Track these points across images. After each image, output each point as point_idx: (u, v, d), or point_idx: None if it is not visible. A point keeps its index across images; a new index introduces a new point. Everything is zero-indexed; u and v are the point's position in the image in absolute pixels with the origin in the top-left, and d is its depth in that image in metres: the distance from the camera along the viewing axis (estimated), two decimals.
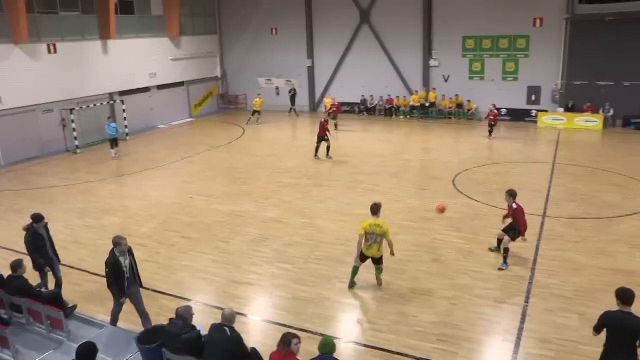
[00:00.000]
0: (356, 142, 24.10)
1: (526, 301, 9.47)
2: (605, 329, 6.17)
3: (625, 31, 25.77)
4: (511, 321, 8.88)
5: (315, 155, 20.79)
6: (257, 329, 9.05)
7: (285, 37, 33.55)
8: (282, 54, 33.71)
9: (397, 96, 31.09)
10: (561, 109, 27.58)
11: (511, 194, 11.04)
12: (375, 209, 9.68)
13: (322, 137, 20.57)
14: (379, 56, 31.30)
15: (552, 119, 27.37)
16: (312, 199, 15.88)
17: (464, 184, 16.85)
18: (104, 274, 8.41)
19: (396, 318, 9.09)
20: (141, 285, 8.70)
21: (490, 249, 11.64)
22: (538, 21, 27.74)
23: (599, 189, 16.23)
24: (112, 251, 8.29)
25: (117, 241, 8.28)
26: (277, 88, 33.85)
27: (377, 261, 9.89)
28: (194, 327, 6.77)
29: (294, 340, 6.06)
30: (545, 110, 27.97)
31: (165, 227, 13.91)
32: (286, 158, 21.28)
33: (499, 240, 11.17)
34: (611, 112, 26.69)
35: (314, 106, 33.99)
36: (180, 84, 32.17)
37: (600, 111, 26.75)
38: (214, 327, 6.64)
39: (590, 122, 26.51)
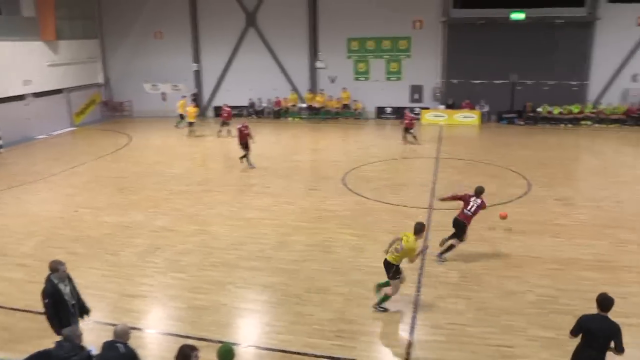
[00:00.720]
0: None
1: (417, 291, 9.97)
2: (582, 333, 6.54)
3: (494, 34, 28.18)
4: (404, 311, 9.30)
5: (250, 164, 19.65)
6: (153, 343, 8.73)
7: (170, 41, 32.57)
8: (167, 59, 32.66)
9: (285, 98, 31.42)
10: (442, 107, 29.42)
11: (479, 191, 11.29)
12: (418, 228, 9.20)
13: (245, 143, 19.61)
14: (266, 59, 31.41)
15: (434, 116, 29.09)
16: (204, 205, 15.58)
17: (353, 182, 17.39)
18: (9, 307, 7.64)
19: (294, 318, 9.18)
20: (87, 312, 8.03)
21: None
22: (418, 23, 29.39)
23: (479, 180, 17.21)
24: (49, 279, 7.45)
25: (55, 267, 7.46)
26: (163, 94, 32.77)
27: (388, 271, 9.18)
28: (83, 348, 6.39)
29: (194, 353, 5.88)
30: (428, 108, 29.70)
31: (49, 244, 12.95)
32: (175, 165, 20.69)
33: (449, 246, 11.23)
34: (486, 109, 28.91)
35: (201, 111, 33.37)
36: (59, 91, 30.04)
37: (477, 108, 28.87)
38: (106, 346, 6.31)
39: (468, 118, 28.52)
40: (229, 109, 26.78)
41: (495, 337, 8.45)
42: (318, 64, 30.94)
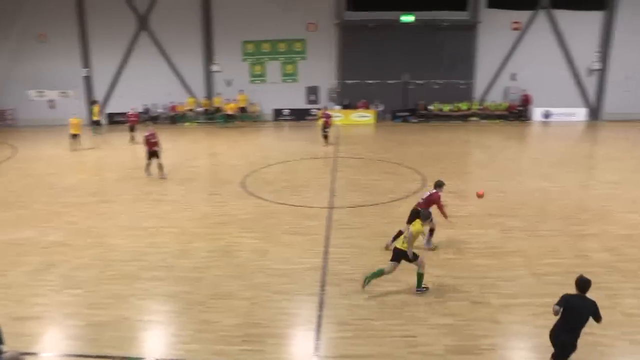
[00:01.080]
0: (142, 153, 23.02)
1: (322, 290, 10.07)
2: (564, 310, 7.04)
3: (385, 36, 29.36)
4: (310, 311, 9.35)
5: (146, 171, 18.74)
6: None
7: (56, 44, 30.60)
8: (53, 64, 30.70)
9: (181, 103, 30.63)
10: (338, 107, 30.09)
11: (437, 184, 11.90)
12: (425, 215, 10.06)
13: (153, 152, 18.42)
14: (160, 64, 30.51)
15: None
16: (100, 216, 14.74)
17: (253, 185, 17.28)
18: None
19: (199, 327, 8.92)
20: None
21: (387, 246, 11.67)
22: (312, 26, 29.86)
23: (376, 177, 18.08)
24: None
25: None
26: (50, 101, 30.66)
27: (407, 257, 9.74)
28: None
29: None
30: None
31: None
32: (68, 176, 19.40)
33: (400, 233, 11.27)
34: (381, 108, 29.98)
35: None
36: None
37: (372, 107, 29.85)
38: None
39: (364, 117, 29.43)
40: (135, 113, 25.61)
41: (400, 328, 8.71)
42: (214, 68, 30.47)
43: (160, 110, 30.82)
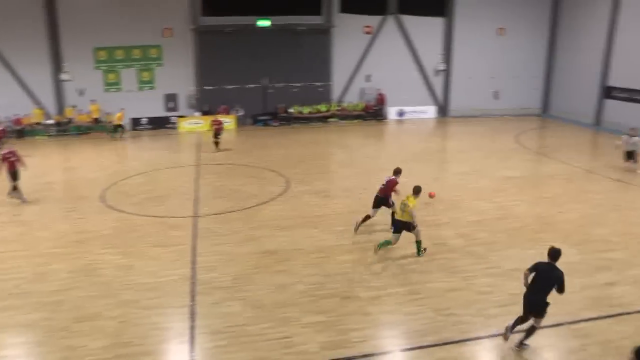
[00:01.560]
0: None
1: (192, 300, 9.96)
2: (534, 274, 8.24)
3: (242, 41, 29.47)
4: (182, 323, 9.23)
5: (21, 198, 16.37)
6: None
7: None
8: None
9: (27, 115, 28.06)
10: (199, 113, 29.64)
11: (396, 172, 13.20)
12: (415, 190, 11.67)
13: (13, 172, 16.17)
14: (1, 74, 27.67)
15: (192, 124, 29.15)
16: None
17: (113, 199, 16.51)
18: None
19: (64, 354, 8.40)
20: None
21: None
22: (168, 31, 29.05)
23: (240, 182, 18.16)
24: None
25: None
26: None
27: (408, 227, 11.50)
28: None
29: None
30: (184, 116, 29.63)
31: None
32: None
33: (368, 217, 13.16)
34: (242, 113, 30.04)
35: None
36: None
37: (233, 112, 29.80)
38: None
39: (225, 122, 29.16)
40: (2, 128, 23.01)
41: (274, 331, 8.91)
42: (63, 77, 28.41)
43: (4, 124, 27.89)
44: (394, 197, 13.11)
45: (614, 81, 29.01)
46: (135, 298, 10.09)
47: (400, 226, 11.65)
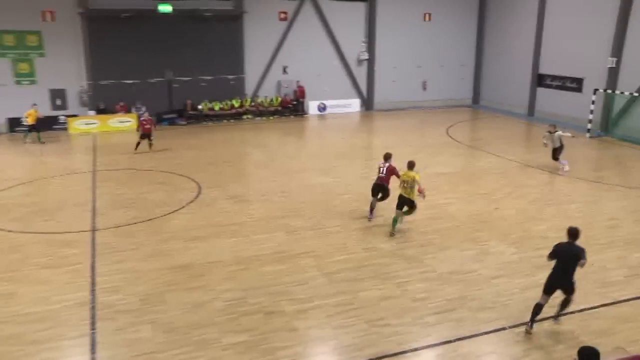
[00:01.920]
0: None
1: (93, 328, 9.41)
2: (556, 257, 8.93)
3: (143, 28, 28.43)
4: (80, 356, 8.69)
5: None
6: None
7: None
8: None
9: None
10: (93, 112, 28.38)
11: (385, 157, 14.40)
12: (410, 164, 13.44)
13: None
14: None
15: (85, 124, 27.90)
16: None
17: None
18: None
19: None
20: None
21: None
22: (49, 15, 27.46)
23: (145, 190, 17.52)
24: None
25: None
26: None
27: (410, 205, 13.31)
28: None
29: None
30: (76, 115, 28.23)
31: None
32: None
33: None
34: (144, 111, 29.02)
35: None
36: None
37: (133, 110, 28.76)
38: None
39: (124, 122, 28.24)
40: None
41: (190, 357, 8.58)
42: None
43: None
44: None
45: (546, 68, 30.61)
46: (19, 332, 9.37)
47: (403, 203, 13.33)
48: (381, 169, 14.28)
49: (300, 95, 32.45)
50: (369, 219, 14.58)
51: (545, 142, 19.54)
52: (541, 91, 31.07)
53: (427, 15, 34.13)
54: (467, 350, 8.63)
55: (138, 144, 22.99)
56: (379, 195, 14.47)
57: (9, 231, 14.08)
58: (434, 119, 31.01)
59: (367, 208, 14.91)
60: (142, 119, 23.54)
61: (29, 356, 8.70)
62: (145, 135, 22.95)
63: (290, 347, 8.81)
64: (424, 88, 35.35)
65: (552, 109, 29.83)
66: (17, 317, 9.84)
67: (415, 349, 8.80)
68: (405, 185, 13.19)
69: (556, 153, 19.48)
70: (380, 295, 10.45)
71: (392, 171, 14.10)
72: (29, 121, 25.02)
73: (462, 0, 34.49)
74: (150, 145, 23.10)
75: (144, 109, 28.82)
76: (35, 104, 25.44)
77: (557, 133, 19.28)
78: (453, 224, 14.33)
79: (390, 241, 13.08)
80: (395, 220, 13.49)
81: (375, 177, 14.51)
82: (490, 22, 34.75)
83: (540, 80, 31.01)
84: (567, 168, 19.21)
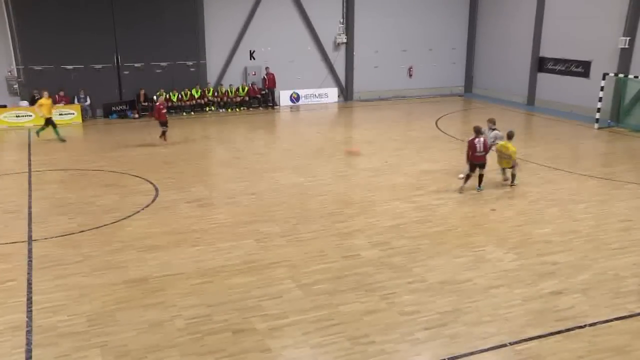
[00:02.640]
0: None
1: (29, 356, 9.24)
2: None
3: (86, 6, 28.08)
4: None
5: None
6: None
7: None
8: None
9: None
10: (25, 103, 27.95)
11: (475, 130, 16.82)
12: (510, 135, 17.12)
13: None
14: None
15: (16, 116, 27.48)
16: None
17: None
18: None
19: None
20: None
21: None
22: None
23: (92, 193, 17.33)
24: None
25: None
26: None
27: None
28: None
29: None
30: (5, 106, 27.76)
31: None
32: None
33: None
34: (88, 102, 28.74)
35: None
36: None
37: (76, 101, 28.42)
38: None
39: (66, 115, 27.85)
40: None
41: None
42: None
43: None
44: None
45: (548, 51, 30.90)
46: None
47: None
48: (477, 146, 16.53)
49: (269, 84, 32.40)
50: (460, 192, 16.96)
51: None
52: (542, 77, 31.42)
53: None
54: None
55: (163, 132, 23.66)
56: (477, 171, 16.98)
57: None
58: (421, 109, 31.26)
59: (347, 211, 14.92)
60: (157, 103, 23.85)
61: None
62: (162, 122, 23.38)
63: None
64: (410, 75, 35.62)
65: (555, 97, 30.21)
66: None
67: None
68: (504, 156, 16.88)
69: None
70: (364, 309, 10.43)
71: (487, 144, 16.75)
72: (45, 114, 24.20)
73: None
74: (164, 135, 23.74)
75: (88, 99, 28.60)
76: (45, 91, 25.01)
77: (495, 132, 18.29)
78: (444, 227, 14.41)
79: (373, 248, 13.10)
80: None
81: (467, 153, 16.88)
82: (483, 2, 35.07)
83: (541, 64, 31.36)
84: (461, 176, 17.86)
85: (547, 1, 30.47)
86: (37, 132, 24.48)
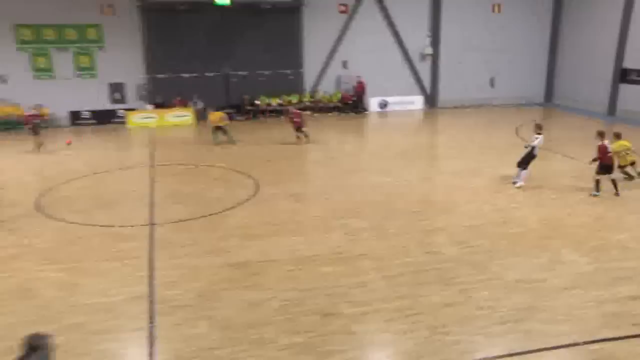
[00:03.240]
0: None
1: (151, 322, 9.83)
2: None
3: (200, 21, 29.22)
4: (139, 349, 9.08)
5: None
6: None
7: None
8: None
9: None
10: (151, 106, 29.33)
11: (599, 134, 16.32)
12: (618, 135, 17.11)
13: None
14: None
15: (143, 118, 28.86)
16: None
17: (51, 206, 16.21)
18: None
19: None
20: None
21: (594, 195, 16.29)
22: (108, 8, 28.61)
23: (203, 186, 18.02)
24: None
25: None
26: None
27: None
28: None
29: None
30: (134, 109, 29.25)
31: None
32: None
33: (597, 182, 16.46)
34: (201, 105, 29.82)
35: None
36: None
37: (190, 105, 29.55)
38: None
39: (182, 117, 29.04)
40: None
41: (246, 355, 8.82)
42: None
43: None
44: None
45: (632, 62, 29.43)
46: (81, 321, 9.89)
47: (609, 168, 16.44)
48: (607, 148, 16.26)
49: (359, 90, 32.50)
50: (595, 195, 16.42)
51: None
52: (625, 88, 29.90)
53: (496, 7, 33.58)
54: None
55: (298, 137, 24.37)
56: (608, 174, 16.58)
57: (72, 223, 14.82)
58: (501, 117, 30.53)
59: (430, 210, 14.87)
60: (290, 115, 24.80)
61: (91, 344, 9.17)
62: (298, 128, 24.07)
63: (347, 351, 8.91)
64: (492, 85, 34.82)
65: (638, 107, 28.72)
66: (80, 308, 10.37)
67: None
68: (620, 155, 16.97)
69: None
70: (443, 302, 10.39)
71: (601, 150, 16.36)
72: (217, 123, 24.55)
73: None
74: (303, 136, 24.46)
75: (201, 103, 29.67)
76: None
77: (539, 138, 17.26)
78: (522, 229, 14.05)
79: (453, 245, 12.99)
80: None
81: (593, 159, 16.62)
82: (567, 13, 33.77)
83: (623, 75, 29.88)
84: (518, 184, 17.50)
85: (633, 13, 28.98)
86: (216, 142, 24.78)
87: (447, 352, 8.85)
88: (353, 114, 32.13)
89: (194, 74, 30.07)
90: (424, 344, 9.03)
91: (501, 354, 8.80)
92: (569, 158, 21.14)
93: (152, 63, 29.48)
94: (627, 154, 17.26)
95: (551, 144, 24.21)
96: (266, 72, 31.22)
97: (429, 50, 33.48)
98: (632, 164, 17.60)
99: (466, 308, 10.18)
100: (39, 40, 28.23)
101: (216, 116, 24.57)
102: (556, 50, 34.86)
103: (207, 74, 30.30)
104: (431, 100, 34.35)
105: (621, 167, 17.52)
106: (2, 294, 11.03)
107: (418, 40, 33.26)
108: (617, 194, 16.39)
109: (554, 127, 28.92)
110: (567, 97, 34.14)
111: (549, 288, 10.87)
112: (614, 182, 16.47)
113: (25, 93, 28.18)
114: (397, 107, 33.38)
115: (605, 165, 16.31)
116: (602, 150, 16.15)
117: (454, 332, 9.37)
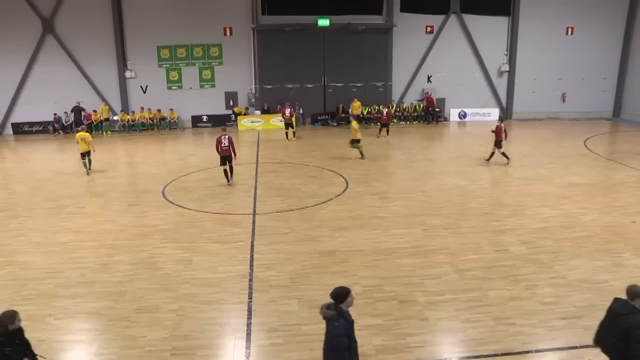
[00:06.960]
0: (52, 164, 21.99)
1: (250, 297, 10.03)
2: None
3: (303, 40, 29.71)
4: (239, 319, 9.29)
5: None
6: None
7: None
8: None
9: (95, 111, 29.20)
10: (258, 112, 30.06)
11: None
12: None
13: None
14: (69, 69, 29.01)
15: (251, 122, 29.61)
16: (9, 232, 13.87)
17: (174, 194, 16.92)
18: None
19: (125, 343, 8.63)
20: None
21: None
22: (228, 30, 29.65)
23: (299, 182, 18.21)
24: None
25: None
26: None
27: None
28: None
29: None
30: (244, 114, 30.13)
31: None
32: None
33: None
34: (301, 112, 30.21)
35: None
36: None
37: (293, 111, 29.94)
38: None
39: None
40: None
41: None
42: (127, 74, 29.52)
43: (73, 119, 29.24)
44: None
45: None
46: (193, 292, 10.26)
47: None
48: None
49: (429, 103, 31.67)
50: None
51: None
52: None
53: (570, 29, 31.82)
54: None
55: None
56: None
57: (189, 209, 15.40)
58: (571, 130, 28.91)
59: (501, 212, 14.35)
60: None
61: (200, 312, 9.50)
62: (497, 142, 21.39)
63: (420, 335, 8.75)
64: (563, 100, 33.06)
65: None
66: (193, 280, 10.77)
67: (540, 350, 8.33)
68: None
69: None
70: (509, 296, 10.00)
71: None
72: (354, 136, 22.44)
73: (607, 13, 31.57)
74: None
75: (301, 110, 30.12)
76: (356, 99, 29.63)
77: None
78: (586, 233, 13.24)
79: (521, 245, 12.44)
80: None
81: None
82: (638, 34, 31.57)
83: None
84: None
85: None
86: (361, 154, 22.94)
87: (510, 342, 8.51)
88: (434, 123, 31.47)
89: (296, 85, 30.51)
90: (489, 333, 8.75)
91: (561, 346, 8.40)
92: (635, 169, 19.68)
93: (262, 75, 30.17)
94: None
95: (617, 155, 22.74)
96: (358, 84, 31.15)
97: (506, 68, 32.24)
98: None
99: (530, 303, 9.74)
100: (173, 58, 29.75)
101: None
102: (626, 69, 32.62)
103: (307, 85, 30.65)
104: (506, 113, 33.05)
105: None
106: (134, 264, 11.65)
107: (496, 58, 32.08)
108: None
109: (621, 140, 27.10)
110: (635, 113, 31.90)
111: (609, 289, 10.17)
112: None
113: (159, 100, 29.85)
114: (475, 118, 32.36)
115: None
116: None
117: (518, 324, 8.99)
